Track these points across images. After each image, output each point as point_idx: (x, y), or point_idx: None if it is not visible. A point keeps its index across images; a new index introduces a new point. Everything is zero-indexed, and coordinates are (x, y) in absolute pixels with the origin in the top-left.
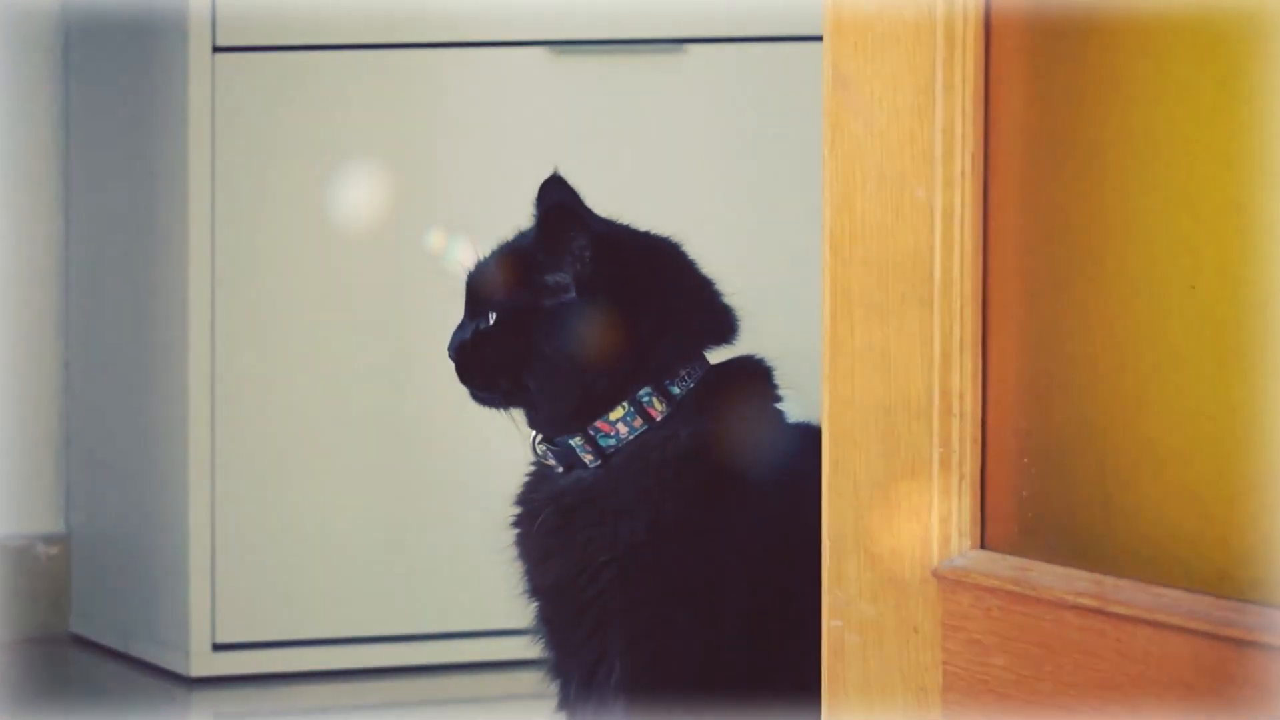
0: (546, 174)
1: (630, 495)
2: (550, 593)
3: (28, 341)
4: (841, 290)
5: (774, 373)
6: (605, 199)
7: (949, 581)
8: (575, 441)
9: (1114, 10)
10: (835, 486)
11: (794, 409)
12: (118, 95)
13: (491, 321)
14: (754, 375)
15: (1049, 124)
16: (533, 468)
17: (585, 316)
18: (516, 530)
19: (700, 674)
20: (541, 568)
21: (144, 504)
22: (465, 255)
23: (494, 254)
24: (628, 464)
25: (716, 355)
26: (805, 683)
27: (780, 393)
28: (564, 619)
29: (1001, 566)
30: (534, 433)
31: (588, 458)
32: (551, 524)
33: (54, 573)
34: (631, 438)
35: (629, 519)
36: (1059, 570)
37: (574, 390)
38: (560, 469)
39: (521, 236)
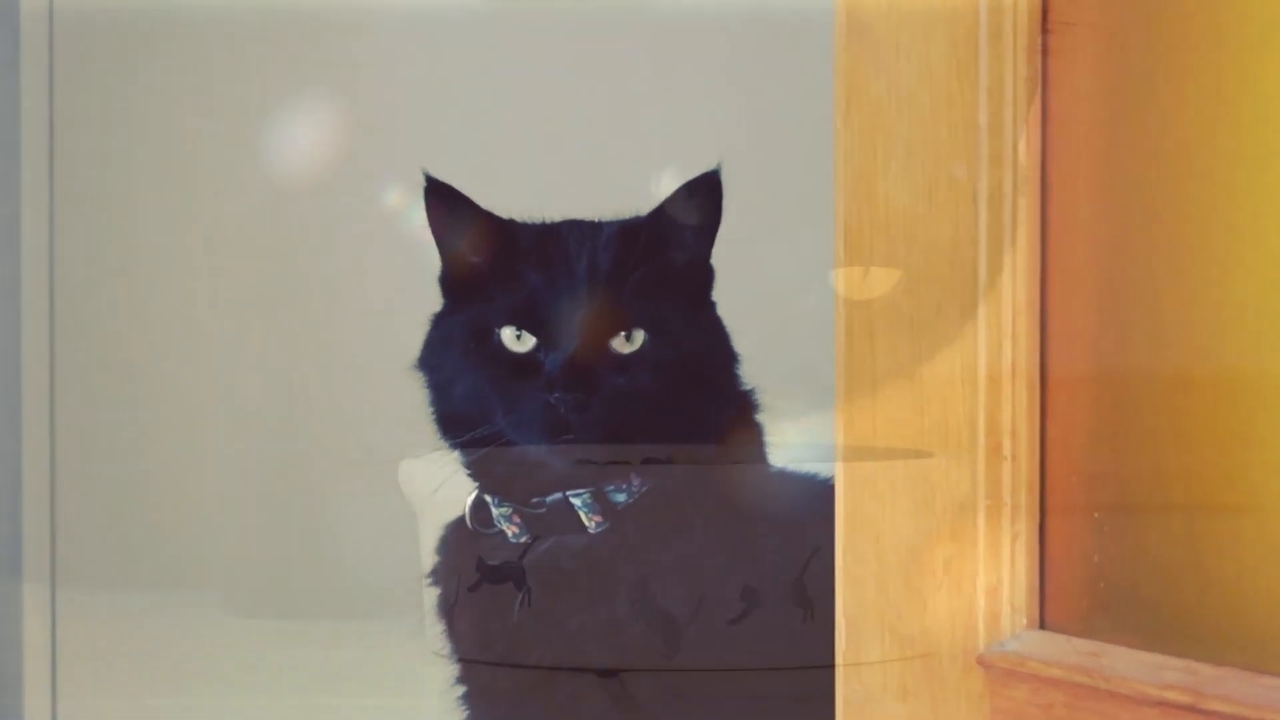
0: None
1: (654, 565)
2: (513, 693)
3: None
4: (859, 298)
5: (759, 407)
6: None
7: (1000, 670)
8: (580, 500)
9: None
10: (852, 549)
11: (789, 452)
12: None
13: (641, 342)
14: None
15: (1128, 82)
16: (445, 533)
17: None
18: (456, 612)
19: None
20: (501, 670)
21: None
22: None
23: (607, 255)
24: (648, 525)
25: None
26: None
27: (767, 432)
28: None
29: (1067, 651)
30: (491, 497)
31: (594, 519)
32: (530, 607)
33: None
34: (643, 490)
35: (649, 596)
36: (1141, 656)
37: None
38: (525, 539)
39: (625, 224)
